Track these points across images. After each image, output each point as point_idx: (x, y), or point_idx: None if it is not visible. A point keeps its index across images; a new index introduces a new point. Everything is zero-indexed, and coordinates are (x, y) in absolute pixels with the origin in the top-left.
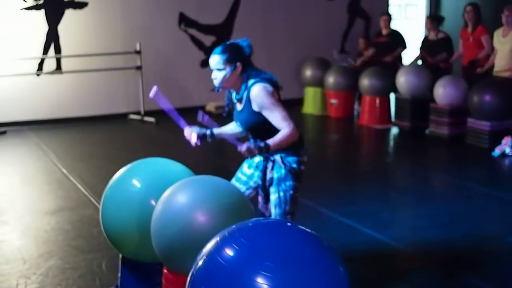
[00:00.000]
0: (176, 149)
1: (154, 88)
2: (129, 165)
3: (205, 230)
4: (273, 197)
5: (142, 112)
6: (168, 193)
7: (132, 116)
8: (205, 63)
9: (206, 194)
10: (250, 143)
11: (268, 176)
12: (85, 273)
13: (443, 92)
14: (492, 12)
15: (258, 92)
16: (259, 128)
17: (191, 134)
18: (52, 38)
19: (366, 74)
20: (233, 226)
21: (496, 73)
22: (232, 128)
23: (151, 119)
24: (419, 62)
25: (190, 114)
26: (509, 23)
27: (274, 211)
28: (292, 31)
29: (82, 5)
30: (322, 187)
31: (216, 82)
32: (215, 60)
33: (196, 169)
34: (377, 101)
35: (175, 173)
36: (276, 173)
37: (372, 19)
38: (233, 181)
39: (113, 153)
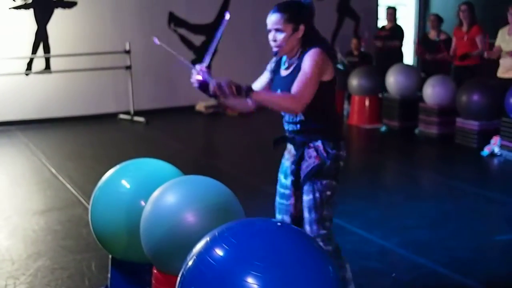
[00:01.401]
0: (165, 149)
1: (155, 40)
2: (118, 166)
3: (195, 230)
4: (307, 198)
5: (132, 112)
6: (157, 193)
7: (122, 116)
8: (194, 63)
9: (195, 194)
10: (224, 80)
11: (305, 164)
12: (75, 273)
13: (432, 91)
14: (484, 12)
15: (312, 51)
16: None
17: (198, 73)
18: (41, 38)
19: (355, 74)
20: (223, 226)
21: (504, 74)
22: (258, 86)
23: (141, 119)
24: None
25: (180, 113)
26: None
27: (308, 215)
28: None
29: (71, 5)
30: None
31: (273, 45)
32: (275, 18)
33: (185, 169)
34: (367, 101)
35: (164, 173)
36: (310, 166)
37: (362, 19)
38: (277, 200)
39: (103, 153)
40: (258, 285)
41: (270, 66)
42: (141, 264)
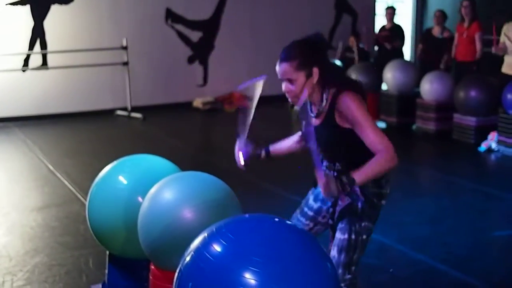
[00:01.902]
0: (162, 145)
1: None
2: (115, 162)
3: (192, 226)
4: (341, 236)
5: (129, 108)
6: (154, 190)
7: (119, 112)
8: (192, 59)
9: (193, 190)
10: (331, 180)
11: (339, 207)
12: (72, 269)
13: (429, 87)
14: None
15: (350, 102)
16: (342, 147)
17: (239, 153)
18: (38, 34)
19: (352, 70)
20: (221, 222)
21: (508, 69)
22: (289, 144)
23: (138, 115)
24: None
25: (177, 110)
26: None
27: (337, 256)
28: (279, 27)
29: (68, 0)
30: (309, 183)
31: (289, 97)
32: (284, 68)
33: (183, 165)
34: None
35: (162, 170)
36: (351, 206)
37: (359, 15)
38: (297, 215)
39: (100, 149)
40: (255, 280)
41: (301, 119)
42: (138, 260)
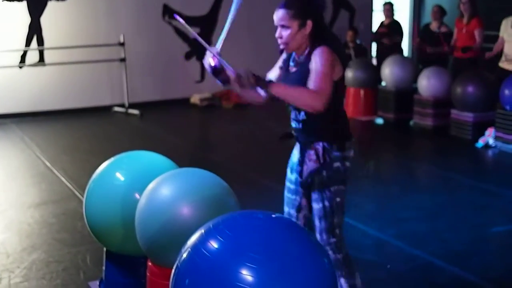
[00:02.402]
0: (160, 141)
1: (179, 19)
2: (112, 158)
3: (190, 223)
4: (317, 207)
5: (126, 105)
6: (152, 186)
7: (116, 109)
8: (189, 55)
9: (190, 186)
10: (243, 70)
11: (306, 168)
12: (69, 266)
13: (427, 83)
14: (487, 4)
15: (321, 50)
16: None
17: (212, 57)
18: (35, 30)
19: (350, 66)
20: (218, 218)
21: (506, 64)
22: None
23: (135, 112)
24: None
25: (175, 106)
26: None
27: (318, 224)
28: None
29: None
30: None
31: (280, 42)
32: (280, 14)
33: (180, 162)
34: (362, 93)
35: (159, 166)
36: (319, 171)
37: (357, 11)
38: (285, 193)
39: (97, 145)
40: (253, 276)
41: (279, 63)
42: (136, 257)
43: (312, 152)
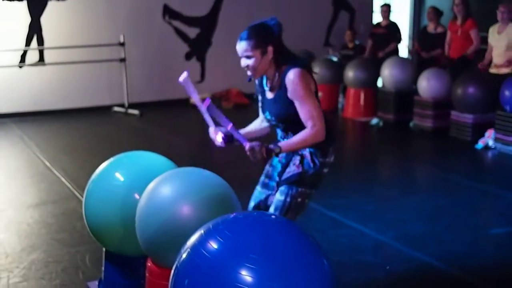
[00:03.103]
0: (160, 141)
1: (185, 74)
2: (112, 158)
3: (189, 223)
4: (278, 197)
5: (126, 105)
6: (152, 186)
7: (116, 109)
8: (189, 55)
9: (190, 186)
10: (257, 144)
11: (288, 171)
12: (69, 266)
13: (426, 85)
14: (480, 6)
15: (294, 78)
16: (293, 120)
17: (216, 133)
18: (35, 30)
19: (350, 66)
20: (217, 219)
21: (494, 69)
22: (256, 126)
23: (135, 112)
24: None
25: (174, 106)
26: (505, 20)
27: (272, 211)
28: None
29: None
30: None
31: (247, 71)
32: (242, 46)
33: (180, 162)
34: (362, 93)
35: (159, 166)
36: (300, 168)
37: (357, 12)
38: (257, 186)
39: (97, 145)
40: (252, 277)
41: (257, 89)
42: (135, 257)
43: (298, 158)
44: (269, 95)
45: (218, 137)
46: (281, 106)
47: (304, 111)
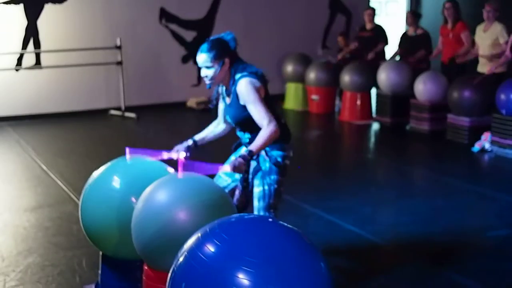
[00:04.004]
0: (156, 145)
1: (127, 151)
2: (109, 163)
3: (186, 227)
4: (257, 190)
5: (123, 108)
6: (148, 191)
7: (113, 112)
8: (186, 59)
9: (186, 191)
10: (234, 161)
11: (251, 167)
12: (65, 270)
13: (423, 88)
14: (472, 9)
15: (243, 86)
16: (248, 121)
17: (177, 153)
18: (32, 33)
19: (347, 70)
20: (214, 222)
21: (480, 68)
22: (212, 129)
23: (132, 115)
24: (397, 58)
25: (171, 109)
26: (490, 19)
27: (257, 204)
28: (273, 27)
29: (62, 0)
30: (303, 183)
31: (206, 80)
32: (203, 58)
33: (176, 166)
34: (358, 97)
35: (156, 171)
36: (261, 166)
37: (353, 15)
38: (222, 175)
39: (93, 149)
40: (249, 280)
41: (213, 96)
42: (131, 261)
43: (255, 157)
44: (227, 100)
45: (180, 155)
46: (236, 110)
47: (256, 113)
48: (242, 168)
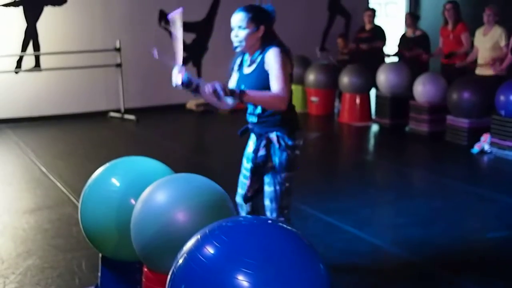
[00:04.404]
0: (156, 147)
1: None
2: (108, 164)
3: (185, 228)
4: (268, 189)
5: (122, 110)
6: (147, 192)
7: (112, 114)
8: (185, 61)
9: (186, 192)
10: (218, 83)
11: (259, 153)
12: (65, 272)
13: (422, 89)
14: (472, 10)
15: (275, 52)
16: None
17: (178, 74)
18: (31, 35)
19: (346, 71)
20: (214, 224)
21: (479, 71)
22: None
23: (131, 117)
24: (396, 59)
25: (171, 111)
26: (490, 22)
27: (269, 204)
28: None
29: (61, 2)
30: (302, 184)
31: (235, 41)
32: (239, 17)
33: (176, 167)
34: (357, 98)
35: (155, 172)
36: (272, 159)
37: (352, 17)
38: (240, 178)
39: (93, 151)
40: (249, 282)
41: (233, 65)
42: (131, 262)
43: (264, 141)
44: (247, 70)
45: (178, 78)
46: (257, 79)
47: (275, 80)
48: (221, 95)
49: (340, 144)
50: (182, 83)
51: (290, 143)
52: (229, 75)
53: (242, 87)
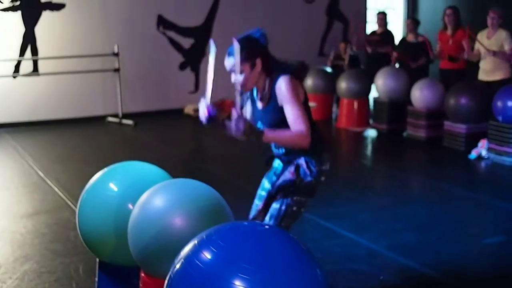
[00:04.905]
0: (153, 152)
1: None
2: (106, 169)
3: (183, 233)
4: (275, 206)
5: (120, 115)
6: (145, 197)
7: (110, 119)
8: (183, 66)
9: (183, 197)
10: (242, 118)
11: (286, 177)
12: (62, 277)
13: (420, 95)
14: (470, 15)
15: (283, 84)
16: (282, 127)
17: (204, 110)
18: (29, 40)
19: (343, 77)
20: (211, 229)
21: (484, 76)
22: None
23: (129, 122)
24: (397, 65)
25: (168, 116)
26: (494, 25)
27: (268, 220)
28: (271, 34)
29: (60, 7)
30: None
31: (237, 85)
32: (231, 63)
33: (174, 172)
34: (355, 104)
35: (153, 177)
36: (300, 178)
37: (350, 22)
38: (255, 200)
39: (91, 155)
40: (246, 287)
41: (241, 102)
42: (128, 267)
43: (293, 166)
44: (260, 105)
45: (202, 115)
46: (273, 114)
47: (291, 115)
48: (240, 130)
49: (338, 149)
50: (209, 116)
51: (315, 169)
52: (242, 102)
53: (259, 124)
